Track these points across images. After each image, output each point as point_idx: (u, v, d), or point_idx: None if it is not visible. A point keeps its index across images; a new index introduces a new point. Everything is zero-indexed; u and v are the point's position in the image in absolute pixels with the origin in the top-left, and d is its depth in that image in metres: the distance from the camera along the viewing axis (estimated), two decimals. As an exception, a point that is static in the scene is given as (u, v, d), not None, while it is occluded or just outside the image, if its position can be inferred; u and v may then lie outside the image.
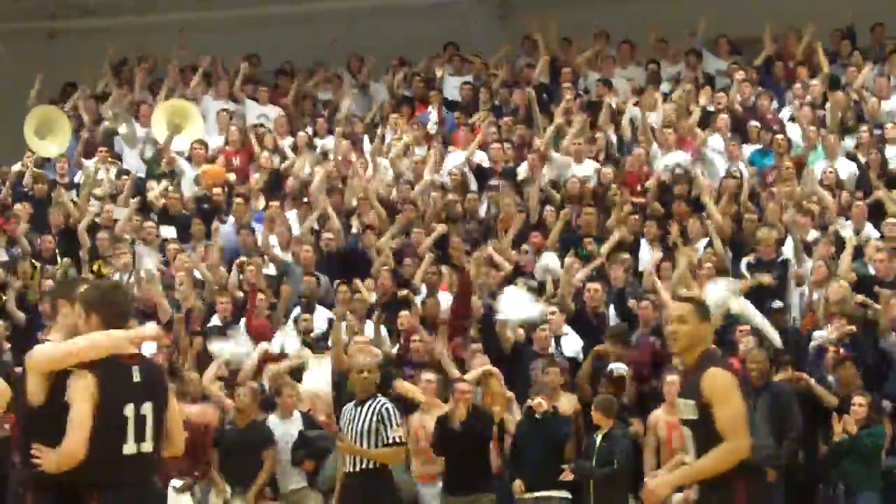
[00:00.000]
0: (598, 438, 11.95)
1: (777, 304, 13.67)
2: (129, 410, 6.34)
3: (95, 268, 16.01)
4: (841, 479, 11.90)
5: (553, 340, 13.65)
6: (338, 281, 15.12)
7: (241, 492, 12.75)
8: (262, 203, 17.38)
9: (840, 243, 14.61)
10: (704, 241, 15.07)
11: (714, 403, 6.56)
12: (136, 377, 6.43)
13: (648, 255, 15.30)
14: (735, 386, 6.64)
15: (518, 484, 12.15)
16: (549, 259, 15.02)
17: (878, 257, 14.07)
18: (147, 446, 6.42)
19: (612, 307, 14.45)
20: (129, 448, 6.34)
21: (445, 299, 14.56)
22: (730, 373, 6.74)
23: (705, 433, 6.62)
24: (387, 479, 10.66)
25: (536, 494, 12.12)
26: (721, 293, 12.41)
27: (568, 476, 11.92)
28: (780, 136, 16.84)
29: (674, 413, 11.78)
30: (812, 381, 12.40)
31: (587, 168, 17.16)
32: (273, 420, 13.09)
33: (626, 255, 15.05)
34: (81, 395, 6.21)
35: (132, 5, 22.53)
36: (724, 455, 6.53)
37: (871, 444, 11.85)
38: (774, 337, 12.80)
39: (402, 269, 15.45)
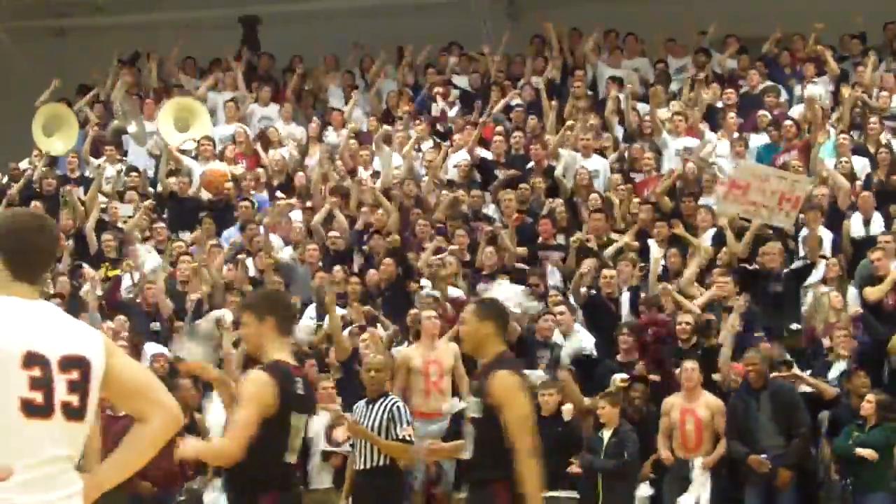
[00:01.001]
0: (607, 434, 11.95)
1: (795, 326, 13.60)
2: (294, 420, 6.54)
3: (103, 271, 15.95)
4: (852, 476, 11.82)
5: (562, 337, 13.63)
6: (344, 275, 15.09)
7: None
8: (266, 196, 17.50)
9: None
10: (712, 231, 15.05)
11: (501, 405, 6.61)
12: (300, 390, 6.59)
13: (658, 255, 15.29)
14: (520, 388, 6.71)
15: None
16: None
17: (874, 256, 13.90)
18: (293, 457, 6.63)
19: (626, 294, 14.44)
20: (289, 457, 6.56)
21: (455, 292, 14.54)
22: (517, 376, 6.78)
23: (486, 432, 6.69)
24: (398, 477, 10.68)
25: (546, 494, 12.03)
26: (510, 293, 12.58)
27: (576, 470, 11.86)
28: (788, 122, 16.93)
29: (690, 399, 12.04)
30: (807, 376, 12.42)
31: (595, 163, 17.20)
32: None
33: (633, 254, 15.03)
34: (253, 398, 6.37)
35: (141, 2, 22.54)
36: (526, 467, 6.60)
37: (884, 442, 11.75)
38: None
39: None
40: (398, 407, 10.61)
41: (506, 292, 13.32)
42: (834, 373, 12.72)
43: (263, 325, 6.62)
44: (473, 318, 6.94)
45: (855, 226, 15.10)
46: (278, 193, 17.43)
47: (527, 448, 6.60)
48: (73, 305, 13.99)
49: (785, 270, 14.12)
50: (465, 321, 7.01)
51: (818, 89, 17.86)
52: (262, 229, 16.14)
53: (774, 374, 12.22)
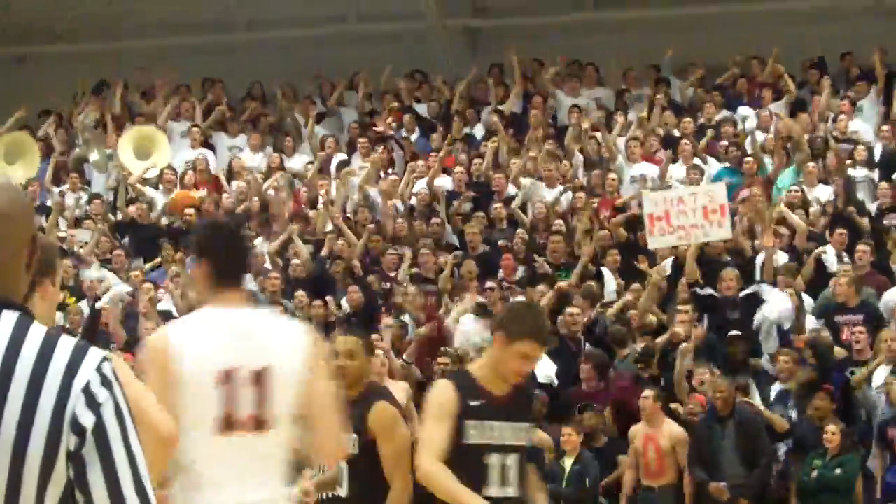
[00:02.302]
0: (569, 462, 11.99)
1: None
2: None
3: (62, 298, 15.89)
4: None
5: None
6: (307, 300, 15.12)
7: None
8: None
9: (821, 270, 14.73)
10: (670, 259, 15.08)
11: (379, 438, 6.44)
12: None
13: (612, 284, 15.37)
14: (400, 421, 6.57)
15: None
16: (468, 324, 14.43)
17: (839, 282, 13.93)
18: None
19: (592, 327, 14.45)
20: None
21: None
22: (395, 407, 6.64)
23: (364, 467, 6.45)
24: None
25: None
26: (472, 327, 12.64)
27: None
28: (750, 158, 17.01)
29: (652, 426, 12.10)
30: (762, 408, 12.47)
31: (556, 193, 17.26)
32: None
33: (591, 283, 15.06)
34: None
35: (99, 31, 22.50)
36: (402, 501, 6.39)
37: (843, 476, 11.83)
38: None
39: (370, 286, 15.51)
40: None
41: (468, 325, 13.43)
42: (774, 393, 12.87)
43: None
44: (362, 352, 6.73)
45: (829, 260, 15.04)
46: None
47: (404, 482, 6.37)
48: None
49: (739, 295, 14.12)
50: (352, 355, 6.66)
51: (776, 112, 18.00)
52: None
53: (740, 399, 12.31)
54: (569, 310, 14.32)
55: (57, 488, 2.57)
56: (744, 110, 18.74)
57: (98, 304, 15.47)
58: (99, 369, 2.60)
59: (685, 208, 14.00)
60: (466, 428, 5.70)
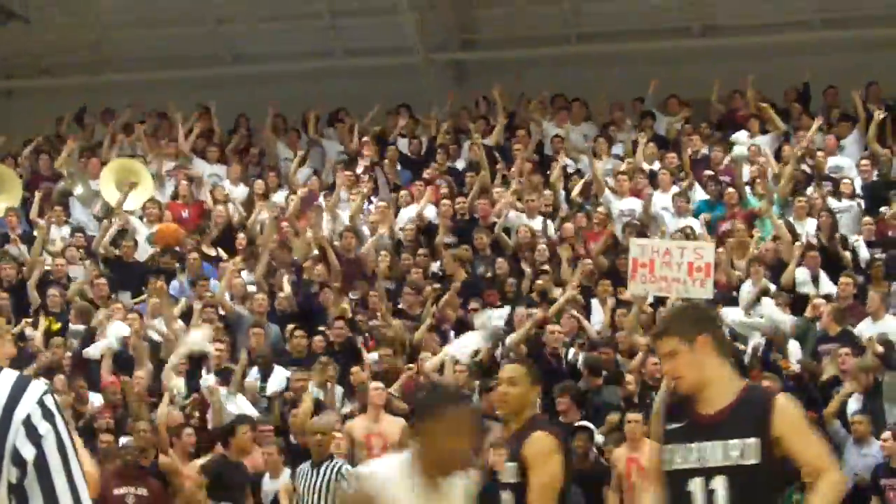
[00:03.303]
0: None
1: None
2: None
3: (46, 324, 15.84)
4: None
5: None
6: (291, 326, 15.17)
7: None
8: (212, 253, 17.49)
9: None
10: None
11: (530, 468, 6.45)
12: None
13: (599, 315, 15.39)
14: (556, 451, 6.52)
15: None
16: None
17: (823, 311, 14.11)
18: None
19: (570, 350, 14.50)
20: None
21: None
22: (554, 438, 6.60)
23: (524, 497, 6.49)
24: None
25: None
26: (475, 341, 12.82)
27: None
28: (730, 190, 17.05)
29: (635, 449, 12.15)
30: None
31: (538, 223, 17.35)
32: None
33: (574, 312, 15.08)
34: None
35: (87, 64, 22.56)
36: None
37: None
38: None
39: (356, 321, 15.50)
40: (346, 468, 10.67)
41: (468, 339, 13.48)
42: None
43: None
44: (526, 380, 6.67)
45: (801, 277, 15.31)
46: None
47: None
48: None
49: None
50: (514, 382, 6.67)
51: (764, 142, 18.13)
52: (212, 283, 16.14)
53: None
54: (550, 327, 14.39)
55: None
56: (738, 135, 18.79)
57: (86, 351, 15.36)
58: (41, 402, 2.60)
59: (671, 261, 13.82)
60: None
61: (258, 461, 12.77)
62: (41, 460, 2.56)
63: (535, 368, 6.91)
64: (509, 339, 14.45)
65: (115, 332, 15.36)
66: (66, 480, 2.58)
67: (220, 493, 11.94)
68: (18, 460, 2.55)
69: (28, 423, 2.57)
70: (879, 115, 17.90)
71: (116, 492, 11.39)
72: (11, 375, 2.61)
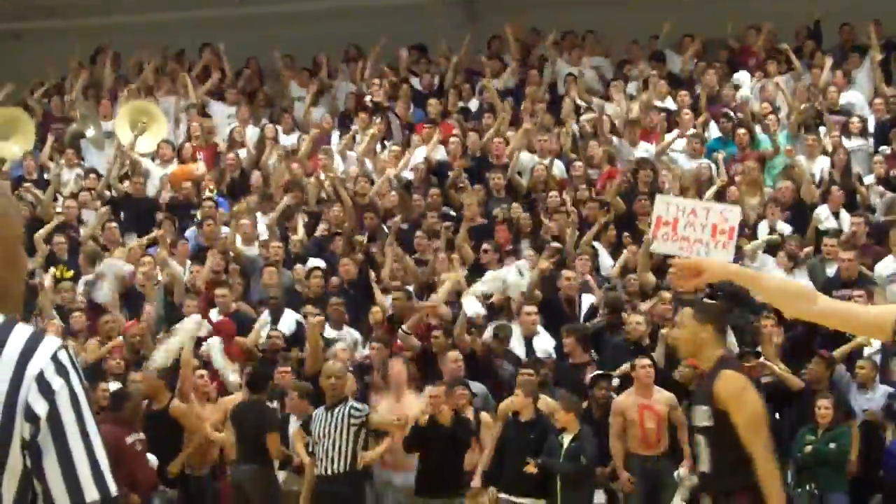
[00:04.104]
0: (567, 438, 11.85)
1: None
2: None
3: (58, 273, 15.82)
4: (812, 481, 11.85)
5: (524, 341, 13.63)
6: (310, 266, 15.15)
7: None
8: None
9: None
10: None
11: (729, 408, 6.46)
12: None
13: (608, 260, 15.39)
14: (748, 388, 6.56)
15: (492, 491, 11.99)
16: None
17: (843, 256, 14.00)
18: None
19: (583, 296, 14.46)
20: None
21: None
22: (741, 375, 6.64)
23: (720, 440, 6.53)
24: (359, 483, 10.75)
25: (516, 500, 11.85)
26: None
27: (532, 469, 11.62)
28: (741, 131, 16.98)
29: (646, 395, 11.98)
30: (776, 367, 12.34)
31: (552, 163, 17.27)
32: None
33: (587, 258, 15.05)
34: None
35: (97, 5, 22.46)
36: (765, 471, 6.45)
37: (837, 450, 11.84)
38: None
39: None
40: (355, 407, 10.85)
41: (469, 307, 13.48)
42: None
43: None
44: (692, 321, 6.74)
45: (823, 216, 15.31)
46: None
47: (762, 451, 6.43)
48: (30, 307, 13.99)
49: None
50: (682, 325, 6.79)
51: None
52: (224, 227, 16.08)
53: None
54: (565, 273, 14.32)
55: (14, 477, 2.56)
56: (740, 76, 18.68)
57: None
58: (55, 357, 2.59)
59: (695, 221, 13.76)
60: None
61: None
62: (54, 416, 2.55)
63: (704, 305, 7.03)
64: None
65: (112, 268, 15.35)
66: (81, 435, 2.57)
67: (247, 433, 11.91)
68: (31, 416, 2.54)
69: (41, 379, 2.56)
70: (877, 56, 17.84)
71: (128, 440, 11.35)
72: (25, 331, 2.60)
